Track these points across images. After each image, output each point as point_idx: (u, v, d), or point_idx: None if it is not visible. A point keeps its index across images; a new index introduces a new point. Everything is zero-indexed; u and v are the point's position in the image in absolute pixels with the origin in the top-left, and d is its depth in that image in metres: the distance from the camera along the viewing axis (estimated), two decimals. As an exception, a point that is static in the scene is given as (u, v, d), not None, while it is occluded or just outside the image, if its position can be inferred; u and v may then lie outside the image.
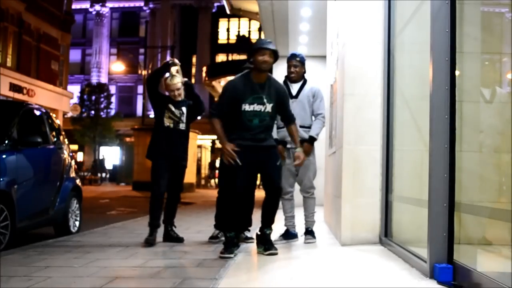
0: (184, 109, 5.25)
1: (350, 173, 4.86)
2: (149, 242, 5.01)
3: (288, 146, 5.12)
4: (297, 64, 5.20)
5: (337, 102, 5.46)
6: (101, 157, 32.20)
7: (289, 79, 5.23)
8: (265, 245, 4.45)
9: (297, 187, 5.20)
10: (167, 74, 5.30)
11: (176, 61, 5.32)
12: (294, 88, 5.20)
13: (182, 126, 5.24)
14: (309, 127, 5.13)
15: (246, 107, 4.33)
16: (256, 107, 4.34)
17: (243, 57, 34.77)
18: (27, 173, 5.45)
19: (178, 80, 5.22)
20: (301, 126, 5.08)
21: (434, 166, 3.26)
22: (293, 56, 5.24)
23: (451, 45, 3.25)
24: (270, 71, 4.58)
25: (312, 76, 5.72)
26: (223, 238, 5.30)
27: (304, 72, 5.28)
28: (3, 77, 19.77)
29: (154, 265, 3.98)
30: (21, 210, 5.15)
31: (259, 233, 4.55)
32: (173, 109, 5.18)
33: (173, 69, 5.21)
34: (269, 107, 4.38)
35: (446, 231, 3.18)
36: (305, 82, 5.25)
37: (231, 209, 4.43)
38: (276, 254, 4.36)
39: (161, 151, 5.18)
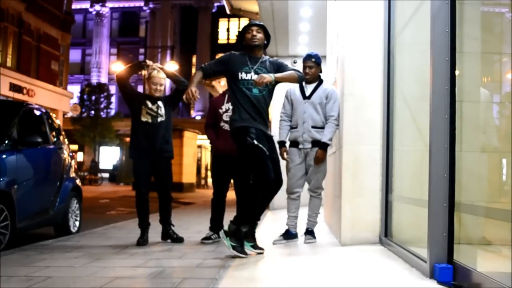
0: (160, 103, 5.23)
1: (350, 173, 4.85)
2: (140, 243, 5.03)
3: (300, 146, 5.13)
4: (312, 65, 5.17)
5: (337, 102, 5.45)
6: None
7: (304, 80, 5.23)
8: (238, 243, 4.22)
9: (305, 186, 5.22)
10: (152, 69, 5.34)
11: (149, 62, 5.37)
12: (309, 89, 5.19)
13: (161, 119, 5.20)
14: (322, 128, 5.11)
15: (243, 76, 4.40)
16: (254, 76, 4.37)
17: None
18: (27, 173, 5.45)
19: (163, 76, 5.28)
20: (313, 127, 5.09)
21: (434, 166, 3.26)
22: (308, 57, 5.22)
23: (451, 45, 3.25)
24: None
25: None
26: (218, 239, 5.29)
27: (320, 72, 5.28)
28: (3, 77, 19.76)
29: (154, 265, 3.98)
30: (21, 210, 5.15)
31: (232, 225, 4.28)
32: (150, 105, 5.18)
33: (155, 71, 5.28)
34: None
35: (446, 231, 3.18)
36: (320, 82, 5.23)
37: (259, 200, 4.29)
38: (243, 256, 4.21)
39: (141, 149, 5.14)
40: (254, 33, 4.48)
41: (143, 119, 5.14)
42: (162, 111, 5.21)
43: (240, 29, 4.69)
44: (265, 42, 4.59)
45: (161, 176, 5.26)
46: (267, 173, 4.19)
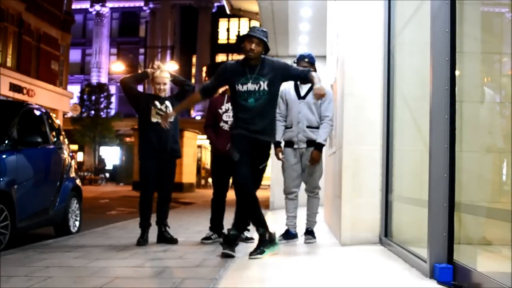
0: (168, 102, 5.22)
1: (350, 173, 4.86)
2: (140, 243, 5.02)
3: (295, 146, 5.13)
4: (306, 66, 5.17)
5: (337, 102, 5.46)
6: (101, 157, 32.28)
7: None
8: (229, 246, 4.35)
9: (302, 186, 5.22)
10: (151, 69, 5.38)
11: (157, 63, 5.40)
12: (304, 89, 5.19)
13: (170, 119, 5.20)
14: (317, 128, 5.11)
15: (240, 87, 4.31)
16: (250, 87, 4.29)
17: (242, 57, 34.75)
18: (27, 173, 5.45)
19: (167, 75, 5.27)
20: (308, 127, 5.09)
21: (434, 166, 3.26)
22: (301, 58, 5.22)
23: (451, 45, 3.25)
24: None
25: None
26: (218, 239, 5.29)
27: (315, 71, 5.28)
28: (3, 77, 19.76)
29: (154, 265, 3.98)
30: (21, 210, 5.15)
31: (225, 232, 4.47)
32: (159, 105, 5.17)
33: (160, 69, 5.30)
34: (264, 85, 4.28)
35: (446, 231, 3.18)
36: None
37: (244, 204, 4.35)
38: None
39: (152, 149, 5.12)
40: (254, 46, 4.26)
41: (153, 119, 5.12)
42: (170, 110, 5.20)
43: (241, 34, 4.59)
44: (263, 53, 4.38)
45: (166, 176, 5.24)
46: (237, 182, 4.28)
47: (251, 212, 4.37)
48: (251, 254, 4.23)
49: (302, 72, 4.41)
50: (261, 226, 4.31)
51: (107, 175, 30.76)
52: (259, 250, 4.23)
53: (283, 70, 4.38)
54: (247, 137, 4.30)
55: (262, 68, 4.33)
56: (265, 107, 4.33)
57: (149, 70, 5.42)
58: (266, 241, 4.27)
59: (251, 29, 4.40)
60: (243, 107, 4.32)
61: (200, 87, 4.60)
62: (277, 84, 4.40)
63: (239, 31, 41.66)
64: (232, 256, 4.24)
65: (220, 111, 5.32)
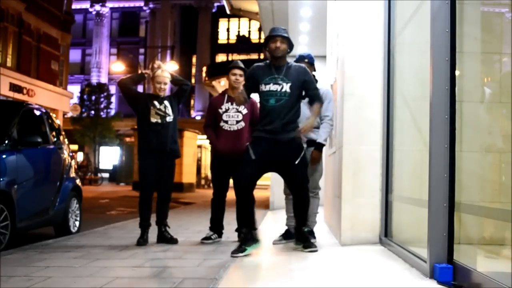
0: (166, 102, 5.21)
1: (350, 173, 4.86)
2: (140, 243, 5.03)
3: None
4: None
5: (337, 102, 5.46)
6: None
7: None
8: (304, 242, 4.57)
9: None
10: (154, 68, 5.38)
11: (158, 63, 5.42)
12: None
13: (169, 118, 5.19)
14: (317, 128, 5.11)
15: (263, 87, 4.41)
16: (272, 87, 4.39)
17: (243, 57, 34.80)
18: (27, 173, 5.45)
19: (167, 75, 5.27)
20: None
21: (434, 166, 3.26)
22: (301, 58, 5.22)
23: (451, 45, 3.26)
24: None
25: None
26: (218, 239, 5.30)
27: (314, 70, 5.29)
28: (3, 77, 19.77)
29: (154, 265, 3.98)
30: (21, 210, 5.15)
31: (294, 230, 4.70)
32: (158, 105, 5.17)
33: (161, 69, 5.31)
34: (286, 87, 4.37)
35: (446, 231, 3.18)
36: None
37: (238, 202, 4.48)
38: (315, 251, 4.49)
39: (151, 150, 5.12)
40: (278, 44, 4.43)
41: (153, 120, 5.11)
42: (169, 110, 5.20)
43: (265, 36, 4.69)
44: (288, 50, 4.53)
45: (166, 176, 5.23)
46: (237, 179, 4.43)
47: (242, 211, 4.54)
48: (233, 252, 4.31)
49: (318, 98, 4.55)
50: (246, 226, 4.46)
51: (100, 175, 30.37)
52: (241, 248, 4.32)
53: (304, 82, 4.48)
54: (265, 138, 4.38)
55: (288, 70, 4.46)
56: (285, 108, 4.37)
57: (146, 71, 5.40)
58: (248, 239, 4.38)
59: (272, 30, 4.59)
60: (264, 108, 4.44)
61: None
62: (299, 89, 4.48)
63: (239, 31, 41.70)
64: (316, 250, 4.50)
65: (220, 111, 5.32)
